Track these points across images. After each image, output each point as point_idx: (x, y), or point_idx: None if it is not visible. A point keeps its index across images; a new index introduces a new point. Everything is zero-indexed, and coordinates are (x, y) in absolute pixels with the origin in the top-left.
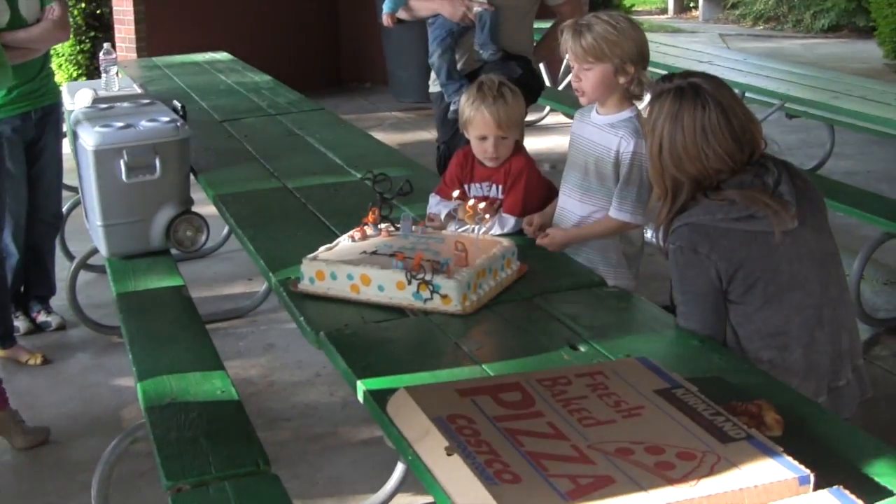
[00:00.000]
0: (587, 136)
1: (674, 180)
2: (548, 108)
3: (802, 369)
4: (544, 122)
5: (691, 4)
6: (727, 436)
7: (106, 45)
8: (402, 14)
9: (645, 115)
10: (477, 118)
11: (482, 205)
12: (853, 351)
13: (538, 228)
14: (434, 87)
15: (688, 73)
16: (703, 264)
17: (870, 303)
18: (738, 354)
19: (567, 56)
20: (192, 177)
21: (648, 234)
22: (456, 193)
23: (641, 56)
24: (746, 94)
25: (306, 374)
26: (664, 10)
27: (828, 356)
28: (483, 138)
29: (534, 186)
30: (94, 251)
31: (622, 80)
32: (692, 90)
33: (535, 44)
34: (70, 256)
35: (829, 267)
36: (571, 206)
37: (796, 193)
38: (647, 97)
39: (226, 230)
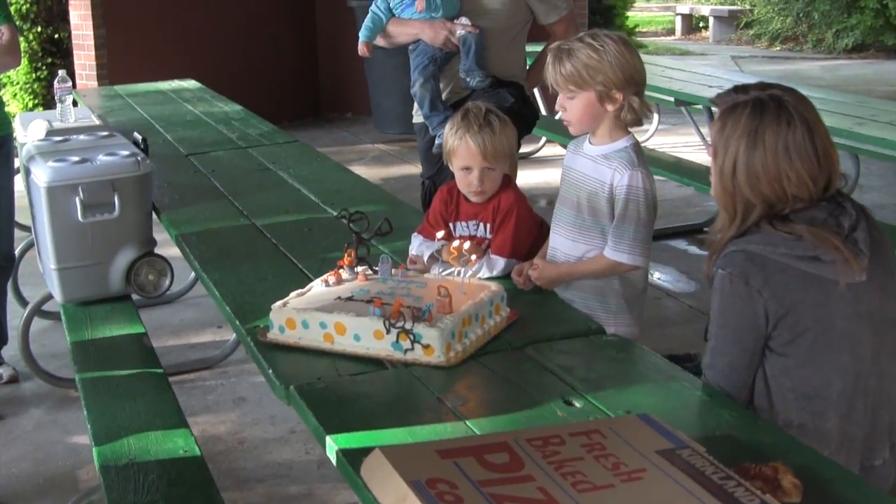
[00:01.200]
0: (579, 168)
1: (746, 203)
2: (544, 140)
3: (836, 440)
4: (540, 153)
5: (701, 25)
6: (738, 502)
7: (61, 73)
8: (379, 41)
9: (711, 131)
10: (461, 148)
11: (467, 245)
12: (893, 428)
13: (528, 280)
14: (417, 117)
15: (764, 85)
16: (752, 298)
17: None
18: (766, 410)
19: (550, 84)
20: (154, 215)
21: (655, 276)
22: (440, 234)
23: (631, 80)
24: None
25: (280, 430)
26: (671, 31)
27: (864, 430)
28: (467, 170)
29: (525, 225)
30: (49, 297)
31: (610, 107)
32: (774, 104)
33: (527, 68)
34: (23, 302)
35: (886, 334)
36: (562, 246)
37: (871, 245)
38: (655, 119)
39: (193, 274)
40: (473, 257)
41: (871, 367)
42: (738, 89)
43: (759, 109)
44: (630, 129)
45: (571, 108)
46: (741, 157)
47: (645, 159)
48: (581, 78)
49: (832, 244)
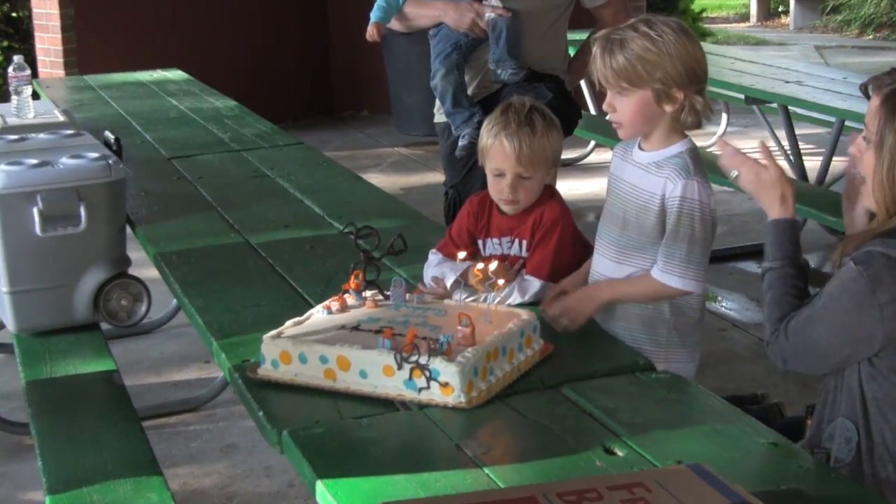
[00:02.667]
0: (627, 178)
1: None
2: (592, 144)
3: None
4: (588, 160)
5: (780, 9)
6: None
7: (17, 59)
8: (394, 24)
9: (869, 120)
10: (494, 148)
11: (493, 266)
12: None
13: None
14: (439, 116)
15: None
16: (869, 311)
17: None
18: (863, 439)
19: (598, 80)
20: (128, 230)
21: (720, 303)
22: (462, 255)
23: (694, 77)
24: (847, 124)
25: (276, 483)
26: (745, 17)
27: None
28: (500, 175)
29: (568, 244)
30: (1, 326)
31: (668, 108)
32: None
33: (569, 59)
34: None
35: None
36: (605, 269)
37: None
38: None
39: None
40: (501, 281)
41: None
42: None
43: None
44: (688, 133)
45: (623, 108)
46: None
47: (704, 167)
48: (636, 74)
49: None
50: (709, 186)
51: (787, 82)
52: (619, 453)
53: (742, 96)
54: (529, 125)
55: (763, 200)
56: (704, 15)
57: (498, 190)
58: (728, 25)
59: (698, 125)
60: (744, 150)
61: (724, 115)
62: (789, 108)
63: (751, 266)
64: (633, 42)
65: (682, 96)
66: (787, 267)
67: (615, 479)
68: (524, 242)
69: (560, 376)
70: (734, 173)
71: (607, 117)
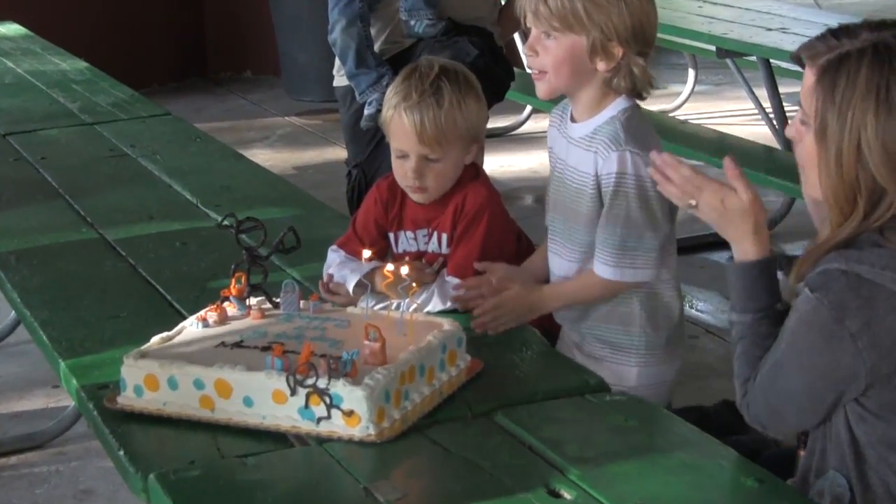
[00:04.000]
0: (564, 156)
1: (872, 188)
2: (529, 109)
3: None
4: (523, 129)
5: None
6: None
7: None
8: None
9: (807, 99)
10: (394, 123)
11: (405, 269)
12: None
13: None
14: (340, 78)
15: (873, 24)
16: (840, 344)
17: None
18: (857, 486)
19: (524, 18)
20: None
21: (696, 307)
22: (368, 254)
23: (640, 35)
24: None
25: None
26: None
27: None
28: (403, 156)
29: (497, 236)
30: None
31: (601, 65)
32: None
33: (499, 7)
34: None
35: None
36: (558, 268)
37: None
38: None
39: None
40: (415, 284)
41: None
42: (838, 33)
43: (885, 57)
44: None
45: (546, 52)
46: (870, 128)
47: (643, 131)
48: (574, 14)
49: None
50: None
51: (769, 30)
52: (567, 496)
53: (713, 48)
54: (435, 95)
55: (729, 234)
56: None
57: (402, 174)
58: None
59: (635, 95)
60: (716, 113)
61: (692, 72)
62: (771, 61)
63: (725, 257)
64: None
65: (621, 54)
66: (762, 320)
67: None
68: (444, 236)
69: (492, 401)
70: (691, 202)
71: (526, 64)
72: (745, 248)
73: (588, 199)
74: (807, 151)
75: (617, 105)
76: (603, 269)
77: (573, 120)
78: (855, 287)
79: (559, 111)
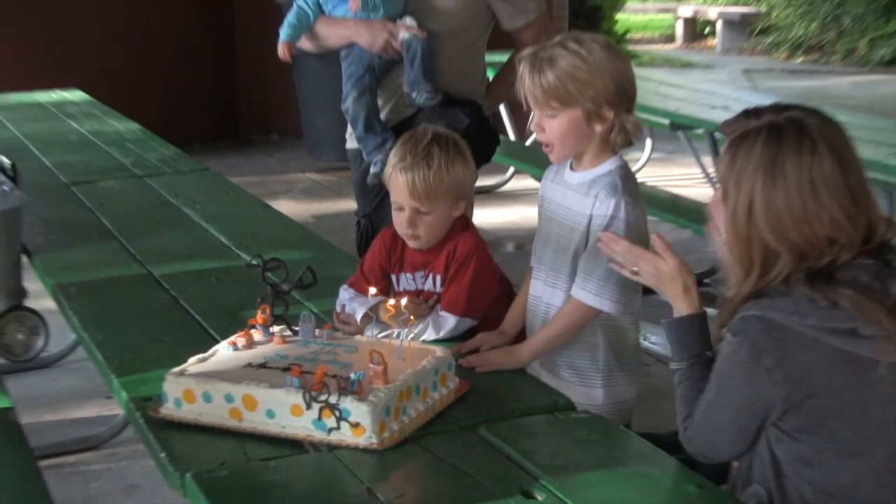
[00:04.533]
0: (559, 200)
1: (765, 251)
2: (511, 170)
3: None
4: (506, 187)
5: (707, 31)
6: None
7: None
8: (305, 44)
9: (718, 167)
10: (392, 180)
11: (404, 303)
12: None
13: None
14: (351, 141)
15: (781, 106)
16: (758, 379)
17: None
18: (777, 498)
19: (525, 99)
20: (24, 260)
21: (649, 340)
22: (373, 291)
23: (624, 95)
24: None
25: None
26: (670, 39)
27: None
28: (399, 209)
29: (484, 277)
30: None
31: (598, 127)
32: (794, 129)
33: (487, 83)
34: None
35: None
36: (540, 292)
37: None
38: (648, 146)
39: None
40: (412, 317)
41: None
42: (749, 113)
43: (777, 136)
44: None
45: (552, 128)
46: (758, 195)
47: (635, 186)
48: (567, 92)
49: (875, 316)
50: (638, 207)
51: (714, 107)
52: (539, 497)
53: (667, 122)
54: (426, 158)
55: (666, 294)
56: (629, 36)
57: (399, 224)
58: (653, 47)
59: (628, 144)
60: (670, 177)
61: (649, 141)
62: (715, 134)
63: None
64: (563, 59)
65: (613, 115)
66: (695, 365)
67: None
68: (438, 277)
69: (476, 416)
70: (634, 269)
71: (529, 141)
72: (678, 306)
73: (579, 235)
74: (716, 216)
75: (614, 161)
76: (585, 295)
77: (573, 169)
78: (768, 330)
79: (554, 168)
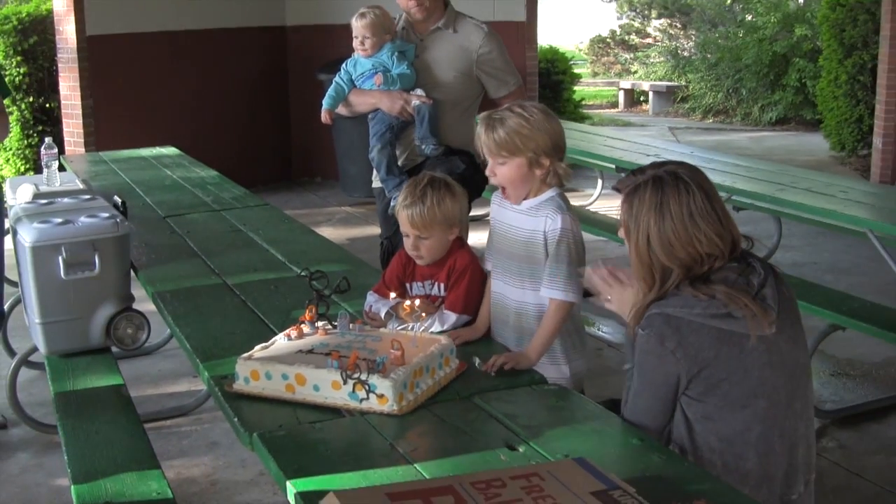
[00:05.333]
0: (509, 221)
1: (662, 269)
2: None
3: (756, 478)
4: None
5: (641, 98)
6: None
7: (47, 140)
8: (341, 110)
9: (621, 213)
10: (399, 215)
11: (418, 302)
12: (808, 465)
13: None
14: (376, 181)
15: (659, 163)
16: (666, 358)
17: (817, 394)
18: (690, 451)
19: (482, 150)
20: (132, 273)
21: (601, 329)
22: (393, 295)
23: (556, 148)
24: None
25: (250, 472)
26: (615, 104)
27: (783, 468)
28: (406, 235)
29: (477, 284)
30: (35, 349)
31: (538, 172)
32: (671, 177)
33: None
34: (12, 353)
35: (799, 379)
36: (507, 292)
37: (780, 300)
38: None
39: None
40: (424, 314)
41: (787, 411)
42: (637, 172)
43: (660, 184)
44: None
45: (503, 173)
46: (653, 229)
47: (570, 206)
48: (514, 144)
49: (742, 302)
50: (576, 220)
51: (648, 155)
52: (520, 450)
53: (613, 166)
54: (422, 197)
55: (621, 312)
56: (583, 102)
57: (406, 247)
58: (601, 111)
59: (560, 185)
60: (615, 208)
61: (600, 181)
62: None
63: None
64: (511, 119)
65: (549, 163)
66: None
67: (515, 470)
68: (442, 285)
69: (472, 389)
70: (608, 297)
71: (490, 181)
72: (631, 322)
73: (540, 248)
74: (628, 249)
75: (553, 190)
76: (555, 292)
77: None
78: (668, 322)
79: (497, 196)
